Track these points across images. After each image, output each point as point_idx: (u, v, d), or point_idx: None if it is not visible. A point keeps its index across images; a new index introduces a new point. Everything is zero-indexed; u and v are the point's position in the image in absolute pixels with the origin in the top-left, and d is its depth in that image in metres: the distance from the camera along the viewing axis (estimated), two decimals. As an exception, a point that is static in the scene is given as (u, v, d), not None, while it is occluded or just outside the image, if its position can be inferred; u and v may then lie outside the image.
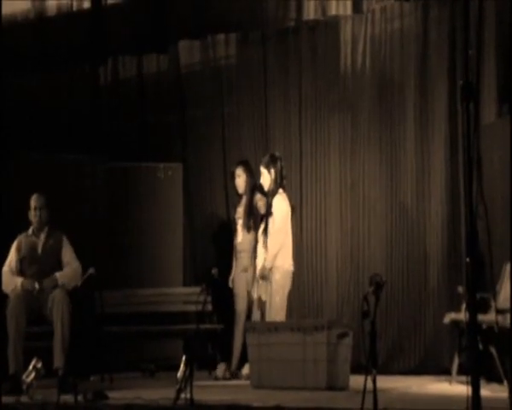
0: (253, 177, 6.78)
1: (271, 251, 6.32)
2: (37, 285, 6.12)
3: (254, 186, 6.75)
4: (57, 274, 6.17)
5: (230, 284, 6.80)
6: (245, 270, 6.72)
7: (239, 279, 6.74)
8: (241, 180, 6.80)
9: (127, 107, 8.08)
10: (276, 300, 6.31)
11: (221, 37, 7.74)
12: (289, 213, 6.42)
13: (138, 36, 8.05)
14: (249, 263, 6.69)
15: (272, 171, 6.43)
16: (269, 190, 6.47)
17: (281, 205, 6.38)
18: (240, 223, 6.79)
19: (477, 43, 6.39)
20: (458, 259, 6.51)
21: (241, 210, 6.82)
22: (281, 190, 6.43)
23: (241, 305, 6.71)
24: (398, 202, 6.90)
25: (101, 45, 8.20)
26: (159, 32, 8.05)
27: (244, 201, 6.81)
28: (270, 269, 6.32)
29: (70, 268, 6.23)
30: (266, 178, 6.48)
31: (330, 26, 7.24)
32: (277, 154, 6.61)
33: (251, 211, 6.72)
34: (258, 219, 6.67)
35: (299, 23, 7.41)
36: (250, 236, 6.71)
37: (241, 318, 6.66)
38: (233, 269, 6.81)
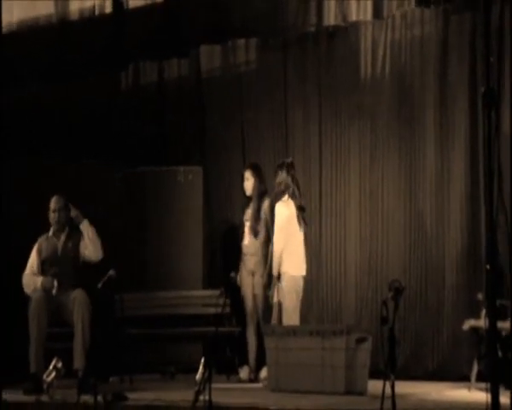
0: (263, 181, 6.79)
1: (273, 256, 6.37)
2: (55, 283, 6.19)
3: (263, 191, 6.78)
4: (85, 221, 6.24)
5: (239, 283, 6.82)
6: (251, 273, 6.75)
7: (245, 281, 6.78)
8: (248, 183, 6.81)
9: (148, 112, 8.14)
10: (287, 305, 6.32)
11: (241, 42, 7.77)
12: (291, 219, 6.37)
13: (159, 41, 8.09)
14: (256, 267, 6.72)
15: (275, 178, 6.47)
16: (274, 196, 6.52)
17: (280, 211, 6.38)
18: (247, 225, 6.81)
19: (498, 49, 6.37)
20: (478, 265, 6.48)
21: (249, 212, 6.82)
22: (285, 197, 6.43)
23: (249, 306, 6.76)
24: (417, 210, 6.88)
25: (123, 50, 8.26)
26: (179, 37, 8.09)
27: (252, 204, 6.82)
28: (279, 275, 6.34)
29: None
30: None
31: (350, 31, 7.23)
32: (288, 160, 6.54)
33: (258, 216, 6.74)
34: (268, 223, 6.67)
35: (319, 29, 7.41)
36: (257, 240, 6.73)
37: (252, 318, 6.72)
38: (240, 270, 6.82)
